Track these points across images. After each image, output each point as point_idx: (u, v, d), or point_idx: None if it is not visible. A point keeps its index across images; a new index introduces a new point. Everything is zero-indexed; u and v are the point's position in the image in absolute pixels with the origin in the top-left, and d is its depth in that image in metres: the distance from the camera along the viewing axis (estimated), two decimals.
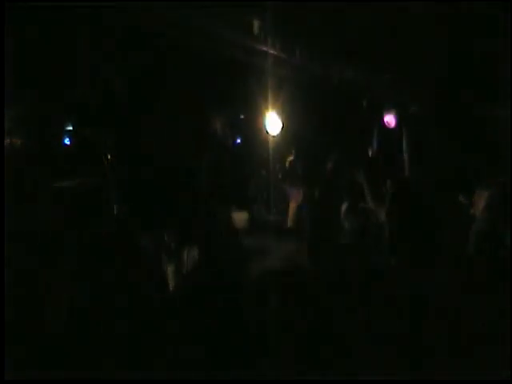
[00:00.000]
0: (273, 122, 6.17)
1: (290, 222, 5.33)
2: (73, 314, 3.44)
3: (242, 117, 7.06)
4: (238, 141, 6.90)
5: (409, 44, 5.92)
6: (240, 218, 5.49)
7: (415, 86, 6.95)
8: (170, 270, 4.30)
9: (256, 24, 5.97)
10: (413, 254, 2.83)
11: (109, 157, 4.79)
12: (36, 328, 3.73)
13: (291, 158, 6.22)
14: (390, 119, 7.38)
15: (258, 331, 2.70)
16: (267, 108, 6.18)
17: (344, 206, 5.01)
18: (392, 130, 7.73)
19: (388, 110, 7.34)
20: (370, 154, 7.40)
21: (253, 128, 6.42)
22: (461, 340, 2.55)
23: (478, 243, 3.29)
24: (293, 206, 5.42)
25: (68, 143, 5.96)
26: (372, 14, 5.55)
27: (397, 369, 2.62)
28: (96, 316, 2.92)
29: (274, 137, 6.12)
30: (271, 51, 6.02)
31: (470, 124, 7.23)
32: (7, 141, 4.24)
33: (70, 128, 5.55)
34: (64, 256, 4.53)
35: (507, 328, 2.77)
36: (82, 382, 2.71)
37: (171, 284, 4.15)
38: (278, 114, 6.26)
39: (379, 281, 2.86)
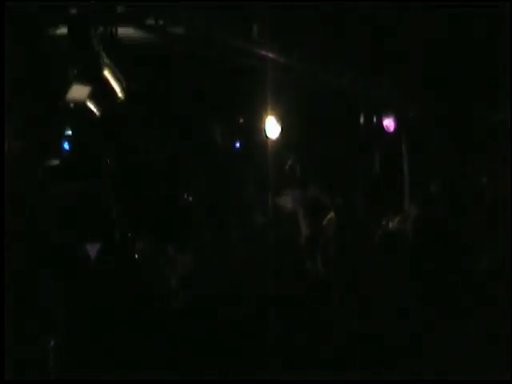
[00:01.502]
0: (272, 126, 6.15)
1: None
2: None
3: (241, 121, 7.05)
4: (238, 145, 6.89)
5: (408, 46, 5.92)
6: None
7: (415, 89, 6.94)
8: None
9: (255, 28, 5.96)
10: None
11: (108, 162, 4.77)
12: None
13: (290, 162, 6.20)
14: (388, 123, 7.33)
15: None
16: (266, 112, 6.15)
17: None
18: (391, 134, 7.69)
19: (387, 114, 7.29)
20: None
21: (252, 132, 6.40)
22: None
23: None
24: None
25: (67, 148, 5.94)
26: (371, 15, 5.55)
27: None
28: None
29: (273, 141, 6.10)
30: (270, 55, 6.00)
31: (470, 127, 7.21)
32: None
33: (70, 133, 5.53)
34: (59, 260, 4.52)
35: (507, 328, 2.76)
36: (81, 382, 2.70)
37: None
38: (278, 117, 6.24)
39: None
